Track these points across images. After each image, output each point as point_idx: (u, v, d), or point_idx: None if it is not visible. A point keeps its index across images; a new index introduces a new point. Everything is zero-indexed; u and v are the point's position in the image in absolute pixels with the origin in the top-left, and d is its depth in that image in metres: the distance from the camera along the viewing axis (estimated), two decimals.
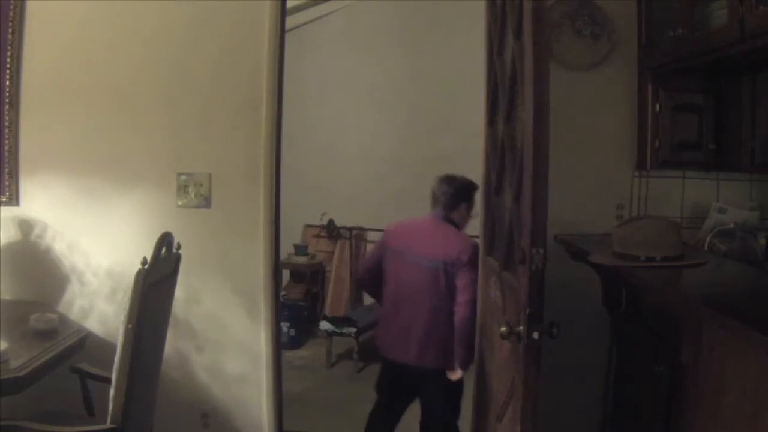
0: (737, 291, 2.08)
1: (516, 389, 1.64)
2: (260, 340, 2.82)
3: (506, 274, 2.11)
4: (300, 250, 5.62)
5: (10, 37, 2.64)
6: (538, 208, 1.53)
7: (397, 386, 3.05)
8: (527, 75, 1.64)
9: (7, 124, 2.69)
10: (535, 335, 1.52)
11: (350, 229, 5.41)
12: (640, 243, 2.24)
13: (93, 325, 2.76)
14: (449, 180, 3.01)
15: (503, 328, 1.67)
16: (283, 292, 5.20)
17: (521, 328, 1.56)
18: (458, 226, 3.00)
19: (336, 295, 5.71)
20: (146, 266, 2.09)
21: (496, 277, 2.28)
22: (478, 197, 2.87)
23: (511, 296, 1.96)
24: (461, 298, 2.82)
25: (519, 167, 1.85)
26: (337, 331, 4.79)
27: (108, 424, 2.03)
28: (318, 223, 5.72)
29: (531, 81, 1.58)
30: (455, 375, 2.88)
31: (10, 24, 2.64)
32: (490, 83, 2.57)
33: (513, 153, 2.00)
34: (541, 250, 1.50)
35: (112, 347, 2.12)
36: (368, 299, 5.37)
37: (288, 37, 2.90)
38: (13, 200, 2.74)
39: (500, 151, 2.32)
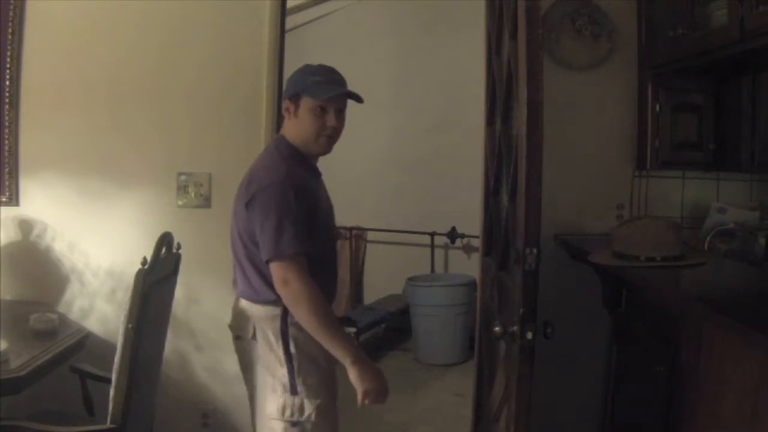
0: (737, 291, 2.08)
1: (510, 389, 1.64)
2: None
3: (502, 274, 2.11)
4: None
5: (10, 37, 2.65)
6: (532, 208, 1.52)
7: None
8: (521, 74, 1.64)
9: (7, 124, 2.70)
10: (529, 335, 1.52)
11: (350, 229, 5.40)
12: (640, 243, 2.23)
13: (93, 325, 2.76)
14: None
15: (497, 328, 1.67)
16: None
17: (515, 328, 1.56)
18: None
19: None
20: (146, 266, 2.09)
21: (494, 277, 2.28)
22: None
23: (506, 296, 1.96)
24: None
25: (514, 167, 1.85)
26: None
27: (108, 424, 2.04)
28: None
29: (525, 80, 1.58)
30: None
31: (10, 24, 2.64)
32: (490, 83, 2.57)
33: (509, 152, 2.00)
34: (535, 250, 1.50)
35: (112, 347, 2.13)
36: (368, 299, 5.37)
37: (288, 37, 2.91)
38: (13, 200, 2.74)
39: (498, 150, 2.32)
